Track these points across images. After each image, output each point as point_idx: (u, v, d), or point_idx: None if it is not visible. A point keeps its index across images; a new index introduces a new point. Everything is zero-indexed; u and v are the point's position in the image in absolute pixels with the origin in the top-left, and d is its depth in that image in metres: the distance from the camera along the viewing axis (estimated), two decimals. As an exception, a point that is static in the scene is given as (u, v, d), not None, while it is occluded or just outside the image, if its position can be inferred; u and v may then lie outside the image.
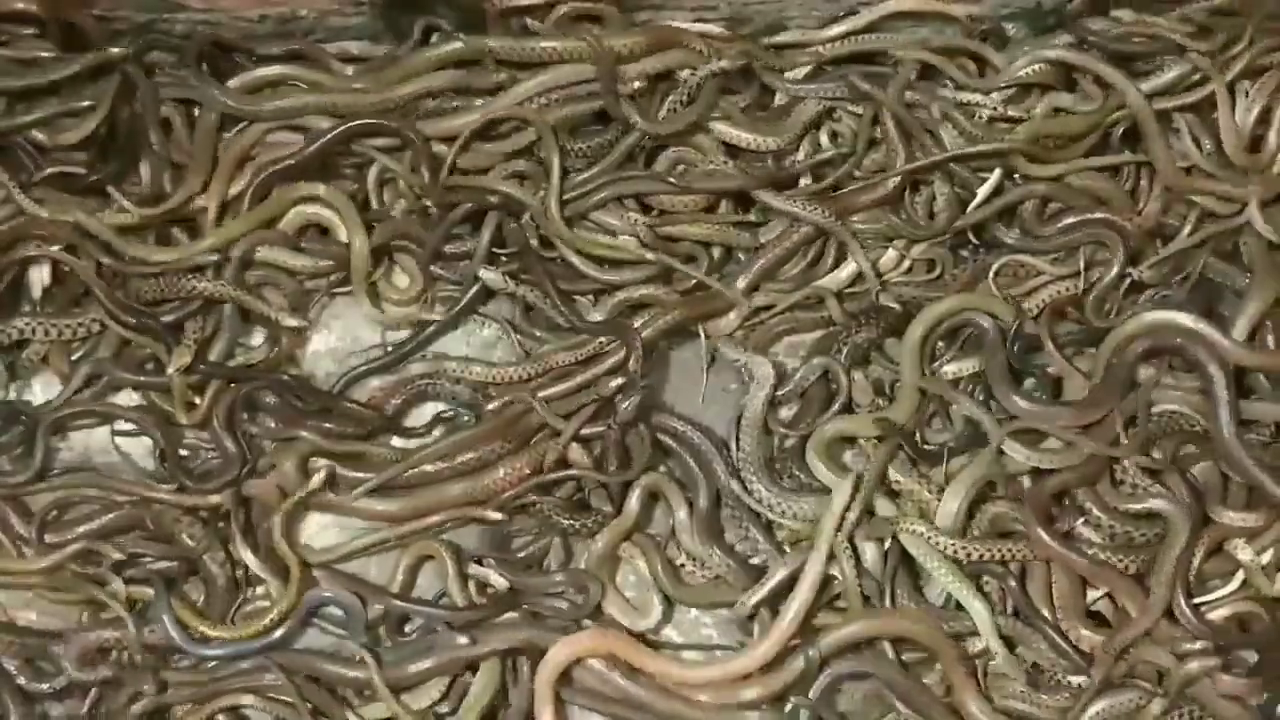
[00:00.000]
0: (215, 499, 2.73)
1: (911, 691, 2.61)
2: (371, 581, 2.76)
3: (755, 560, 2.73)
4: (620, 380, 2.77)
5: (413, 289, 2.94)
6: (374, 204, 2.97)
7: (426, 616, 2.71)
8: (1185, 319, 2.75)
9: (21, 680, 2.66)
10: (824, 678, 2.61)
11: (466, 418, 2.83)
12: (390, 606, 2.71)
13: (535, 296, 2.89)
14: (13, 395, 2.87)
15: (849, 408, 2.82)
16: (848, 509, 2.65)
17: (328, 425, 2.79)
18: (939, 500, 2.70)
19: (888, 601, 2.67)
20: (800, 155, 2.97)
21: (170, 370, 2.78)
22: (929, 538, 2.66)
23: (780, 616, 2.61)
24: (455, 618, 2.68)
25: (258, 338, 2.93)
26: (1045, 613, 2.66)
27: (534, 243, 2.92)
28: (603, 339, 2.85)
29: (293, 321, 2.86)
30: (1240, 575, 2.64)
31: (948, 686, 2.63)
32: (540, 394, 2.80)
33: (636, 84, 2.94)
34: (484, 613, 2.68)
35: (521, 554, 2.75)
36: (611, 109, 2.93)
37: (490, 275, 2.88)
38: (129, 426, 2.82)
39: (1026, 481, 2.73)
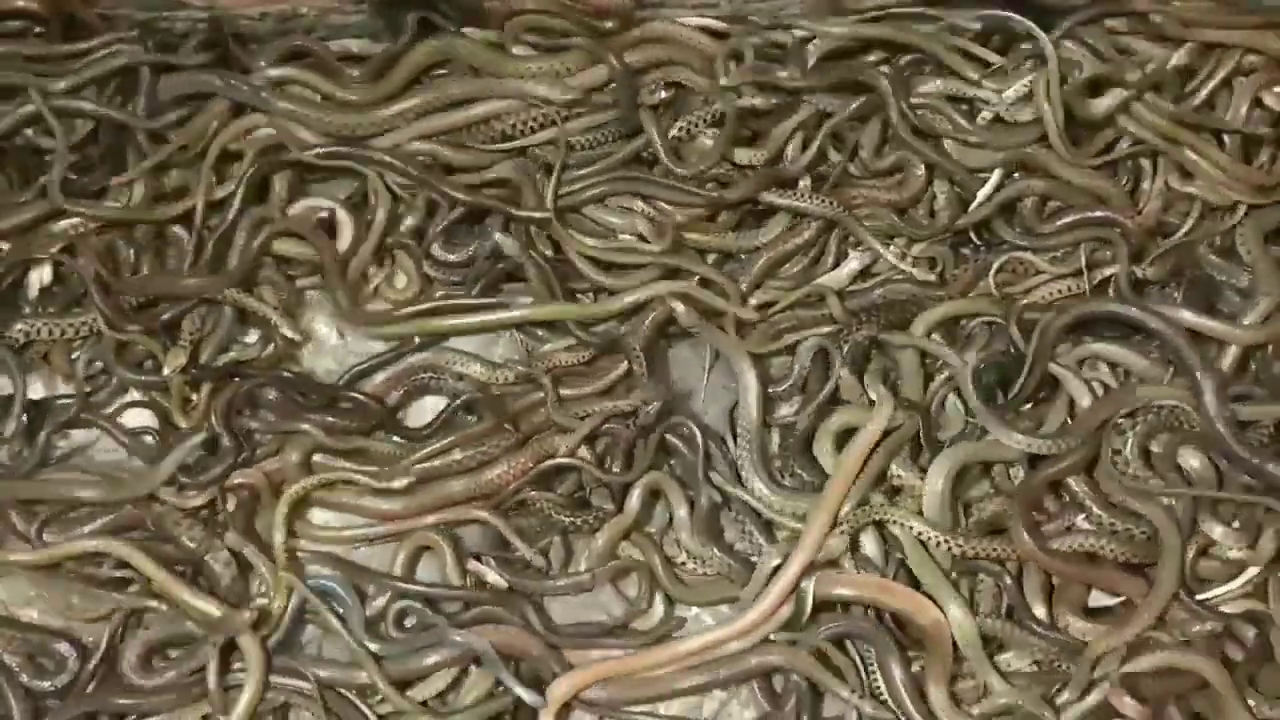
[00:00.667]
0: (202, 499, 2.74)
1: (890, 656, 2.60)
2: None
3: (756, 559, 2.72)
4: (642, 400, 2.77)
5: (410, 290, 2.94)
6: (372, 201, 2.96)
7: (423, 596, 2.71)
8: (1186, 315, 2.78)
9: (24, 677, 2.66)
10: (819, 632, 2.62)
11: (471, 419, 2.84)
12: (391, 588, 2.72)
13: (538, 277, 2.87)
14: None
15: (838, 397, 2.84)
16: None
17: (330, 420, 2.79)
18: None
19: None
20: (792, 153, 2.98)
21: (166, 371, 2.79)
22: (918, 531, 2.65)
23: (775, 580, 2.61)
24: (452, 596, 2.70)
25: (252, 335, 2.93)
26: (1042, 609, 2.67)
27: (547, 253, 2.92)
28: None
29: (289, 333, 2.85)
30: (1246, 574, 2.65)
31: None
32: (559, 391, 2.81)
33: (663, 94, 2.93)
34: (480, 595, 2.71)
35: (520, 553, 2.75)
36: (629, 122, 2.93)
37: (506, 240, 2.87)
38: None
39: (1019, 472, 2.74)
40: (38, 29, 2.97)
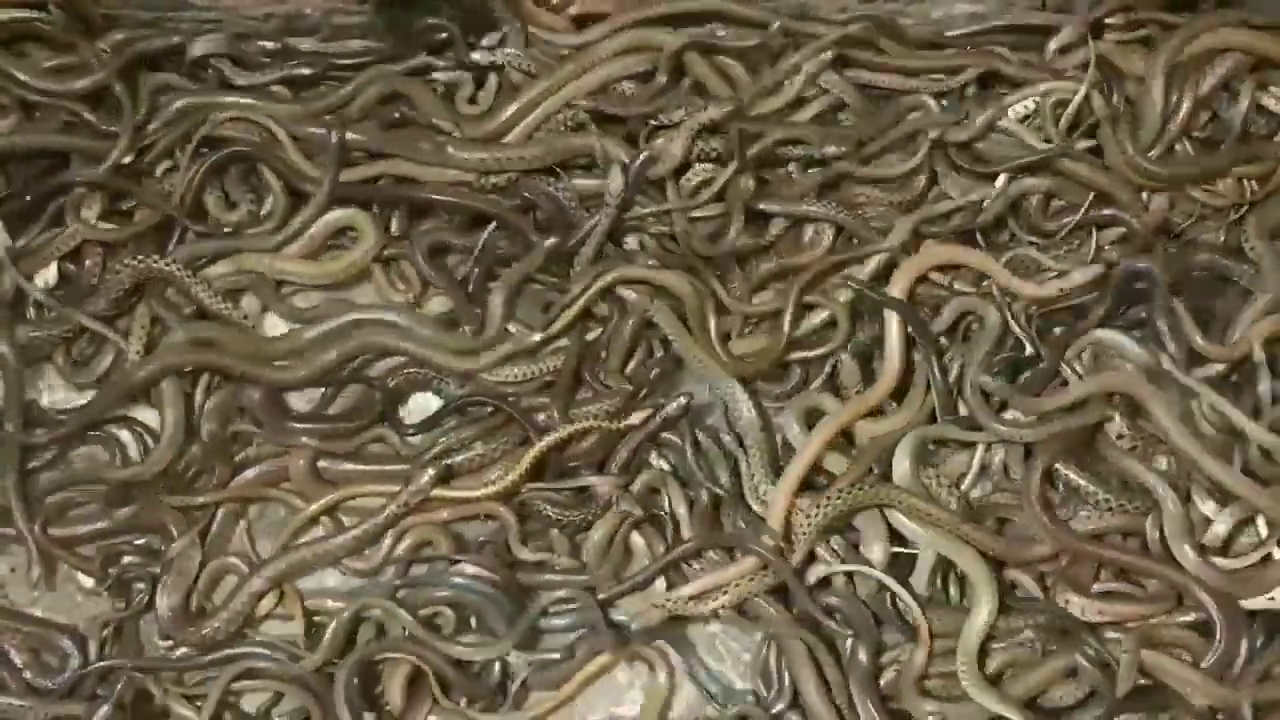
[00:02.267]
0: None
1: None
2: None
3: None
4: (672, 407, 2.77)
5: (409, 291, 2.94)
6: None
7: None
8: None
9: (28, 675, 2.67)
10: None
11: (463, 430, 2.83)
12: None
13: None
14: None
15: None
16: None
17: (324, 426, 2.81)
18: (948, 492, 2.71)
19: (885, 603, 2.67)
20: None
21: None
22: (896, 500, 2.67)
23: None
24: (442, 556, 2.75)
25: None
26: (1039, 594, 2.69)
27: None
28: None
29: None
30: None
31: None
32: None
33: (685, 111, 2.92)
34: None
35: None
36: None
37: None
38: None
39: (1000, 455, 2.76)
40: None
